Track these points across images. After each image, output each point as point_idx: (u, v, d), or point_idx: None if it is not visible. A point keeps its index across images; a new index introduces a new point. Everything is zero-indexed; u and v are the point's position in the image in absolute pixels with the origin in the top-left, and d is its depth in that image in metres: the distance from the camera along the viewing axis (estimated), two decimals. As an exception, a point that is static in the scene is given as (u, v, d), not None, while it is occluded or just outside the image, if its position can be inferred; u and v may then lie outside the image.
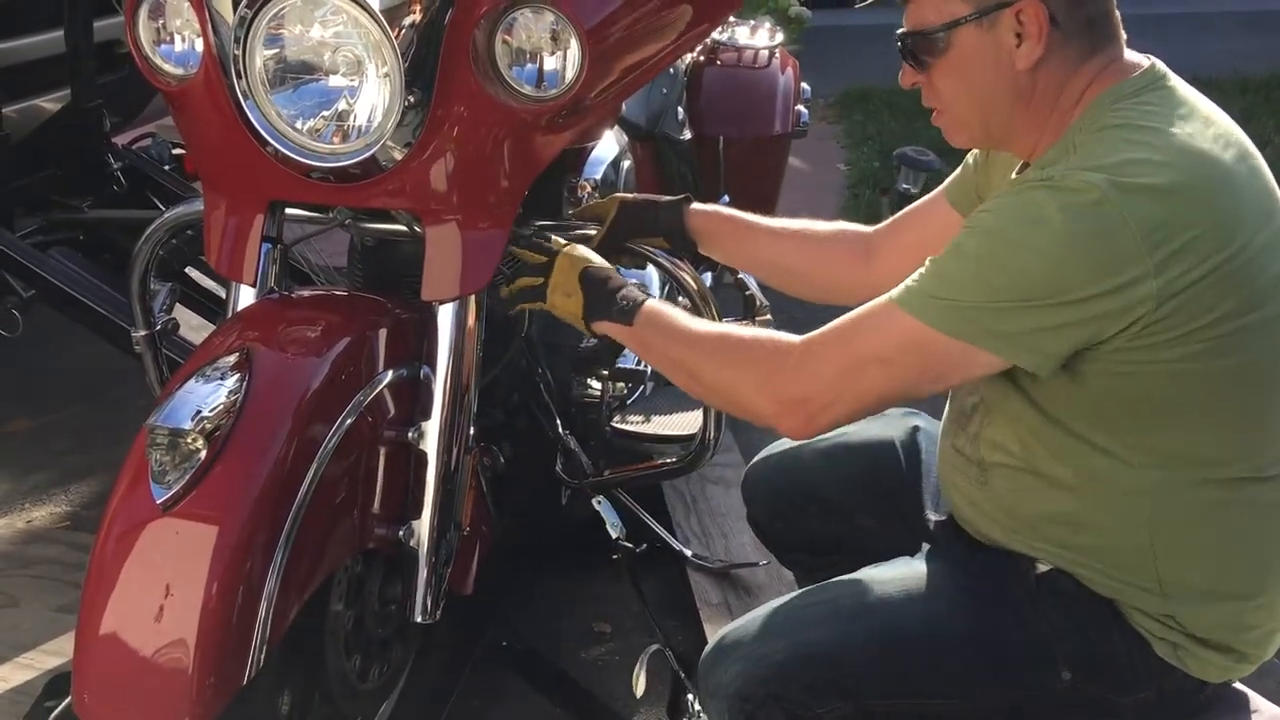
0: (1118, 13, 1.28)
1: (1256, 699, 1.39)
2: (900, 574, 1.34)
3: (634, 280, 1.86)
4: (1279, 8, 7.45)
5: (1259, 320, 1.19)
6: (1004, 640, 1.29)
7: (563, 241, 1.52)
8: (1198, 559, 1.26)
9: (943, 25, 1.26)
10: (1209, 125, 1.22)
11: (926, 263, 1.24)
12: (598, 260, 1.48)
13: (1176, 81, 1.26)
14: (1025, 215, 1.17)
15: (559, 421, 1.86)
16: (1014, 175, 1.37)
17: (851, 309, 1.29)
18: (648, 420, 1.99)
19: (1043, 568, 1.31)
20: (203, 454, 1.22)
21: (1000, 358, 1.19)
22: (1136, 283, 1.13)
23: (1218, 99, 1.30)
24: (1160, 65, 1.27)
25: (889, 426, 1.67)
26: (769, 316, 2.19)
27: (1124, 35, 1.28)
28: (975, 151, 1.51)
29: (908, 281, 1.24)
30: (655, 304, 1.42)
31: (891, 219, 1.64)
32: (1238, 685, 1.39)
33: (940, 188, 1.57)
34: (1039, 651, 1.28)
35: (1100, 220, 1.13)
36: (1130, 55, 1.28)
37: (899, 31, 1.32)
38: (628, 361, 2.02)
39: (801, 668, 1.28)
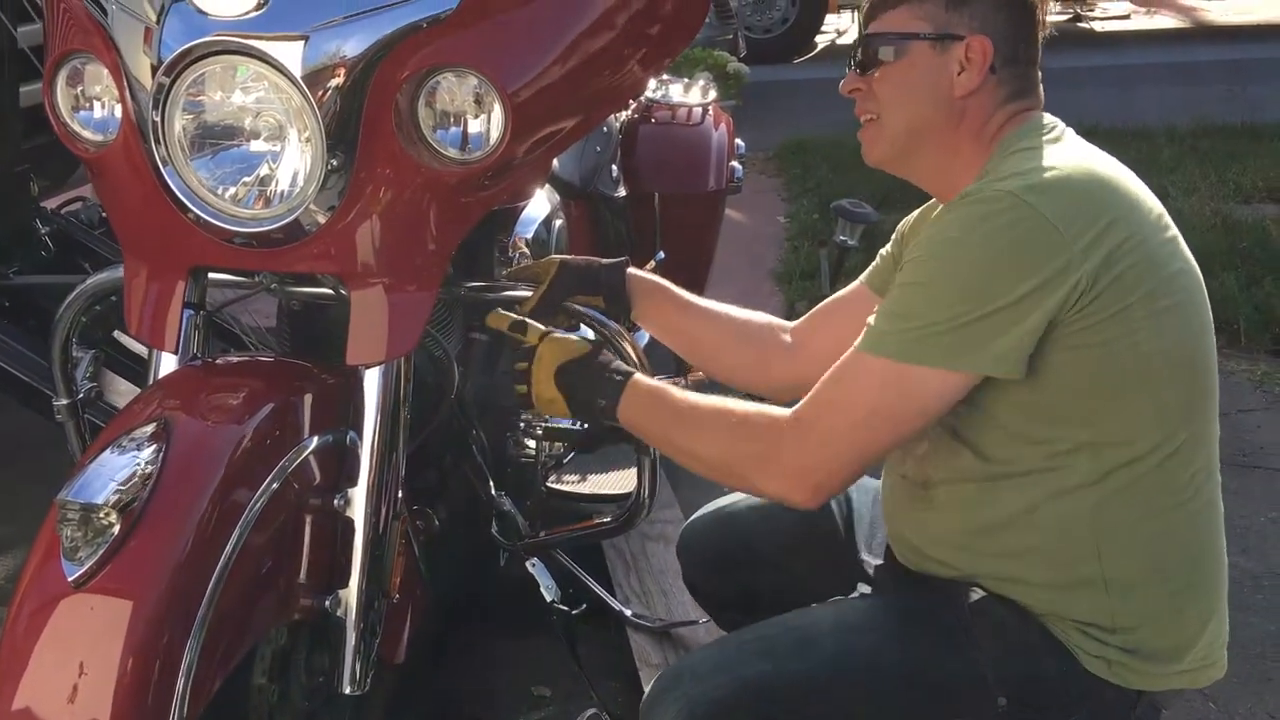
0: (1041, 85, 1.43)
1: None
2: (837, 610, 1.37)
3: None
4: (1205, 58, 7.68)
5: (1171, 306, 1.28)
6: (939, 669, 1.32)
7: (540, 330, 1.54)
8: (1138, 553, 1.31)
9: (902, 34, 1.39)
10: (1097, 153, 1.37)
11: (878, 308, 1.31)
12: (571, 349, 1.50)
13: (1067, 129, 1.41)
14: (952, 234, 1.27)
15: (492, 483, 1.84)
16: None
17: (768, 400, 1.41)
18: (584, 480, 1.98)
19: (975, 595, 1.34)
20: (116, 529, 1.19)
21: (974, 372, 1.25)
22: (1068, 269, 1.23)
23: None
24: (1056, 120, 1.41)
25: None
26: (701, 374, 2.20)
27: (1043, 96, 1.43)
28: (890, 243, 1.59)
29: (868, 327, 1.30)
30: (640, 387, 1.44)
31: (813, 310, 1.71)
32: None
33: (860, 278, 1.64)
34: (974, 679, 1.31)
35: (1021, 220, 1.24)
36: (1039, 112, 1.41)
37: (861, 33, 1.45)
38: (562, 421, 2.01)
39: (739, 704, 1.30)
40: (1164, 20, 9.94)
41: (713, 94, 2.94)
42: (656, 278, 1.71)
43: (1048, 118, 1.40)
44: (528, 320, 1.55)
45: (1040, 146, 1.33)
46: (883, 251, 1.60)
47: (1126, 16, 9.76)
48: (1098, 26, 9.70)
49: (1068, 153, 1.33)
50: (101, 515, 1.19)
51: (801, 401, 1.33)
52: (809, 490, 1.31)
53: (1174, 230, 1.35)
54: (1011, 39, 1.38)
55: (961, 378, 1.25)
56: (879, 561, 1.49)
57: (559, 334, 1.53)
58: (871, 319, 1.30)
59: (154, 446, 1.25)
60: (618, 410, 1.44)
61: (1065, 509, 1.30)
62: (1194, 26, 9.65)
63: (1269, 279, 3.84)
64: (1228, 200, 4.75)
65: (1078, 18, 9.76)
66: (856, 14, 1.49)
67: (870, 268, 1.62)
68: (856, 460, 1.30)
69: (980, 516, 1.34)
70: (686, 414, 1.41)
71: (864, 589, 1.46)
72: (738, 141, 3.01)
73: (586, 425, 1.73)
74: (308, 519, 1.41)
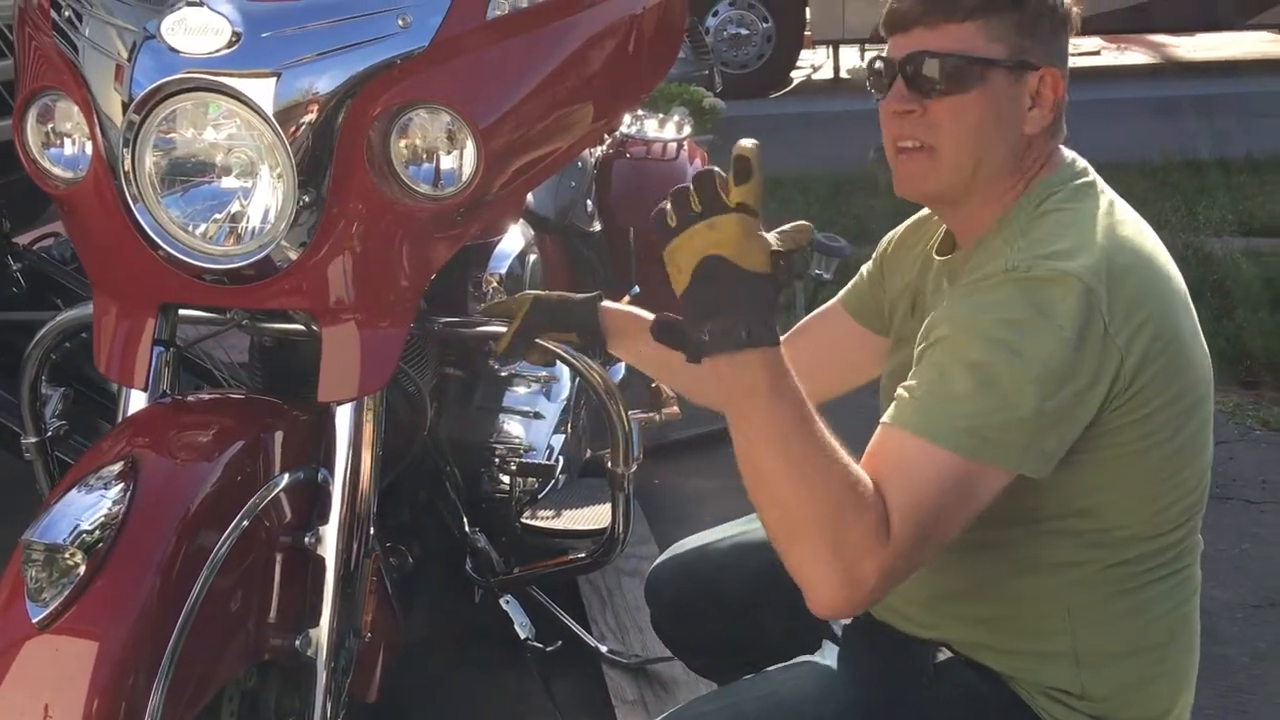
0: None
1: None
2: (800, 673, 1.34)
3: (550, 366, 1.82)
4: (1175, 94, 7.78)
5: (1190, 405, 1.23)
6: None
7: (754, 206, 1.18)
8: (1112, 628, 1.27)
9: (981, 58, 1.22)
10: (1132, 216, 1.27)
11: (922, 381, 1.16)
12: (765, 253, 1.15)
13: (1096, 175, 1.30)
14: (1010, 316, 1.15)
15: (466, 519, 1.83)
16: (938, 258, 1.37)
17: None
18: (558, 515, 1.97)
19: (941, 656, 1.31)
20: (81, 569, 1.18)
21: (1014, 470, 1.14)
22: (1110, 364, 1.15)
23: (1121, 181, 1.35)
24: (1081, 159, 1.31)
25: None
26: (675, 409, 2.21)
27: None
28: (870, 262, 1.54)
29: (921, 408, 1.14)
30: (784, 362, 1.14)
31: (793, 329, 1.65)
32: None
33: (836, 298, 1.60)
34: None
35: (1076, 308, 1.14)
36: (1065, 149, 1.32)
37: (927, 48, 1.23)
38: (537, 456, 2.01)
39: None
40: (1134, 56, 10.07)
41: (687, 129, 2.96)
42: (630, 308, 1.70)
43: (1078, 161, 1.30)
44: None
45: (1078, 208, 1.23)
46: (863, 270, 1.55)
47: (1097, 53, 9.88)
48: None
49: (1109, 221, 1.22)
50: (67, 556, 1.18)
51: (890, 499, 1.11)
52: (851, 599, 1.11)
53: (1193, 308, 1.26)
54: (1065, 67, 1.26)
55: (1000, 475, 1.14)
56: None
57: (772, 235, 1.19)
58: (912, 395, 1.15)
59: (121, 485, 1.24)
60: (738, 351, 1.11)
61: (1042, 584, 1.25)
62: (1164, 62, 9.78)
63: (1240, 311, 3.88)
64: (1199, 233, 4.81)
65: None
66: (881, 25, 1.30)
67: (847, 288, 1.57)
68: (912, 569, 1.13)
69: (951, 581, 1.29)
70: (813, 437, 1.11)
71: (830, 645, 1.42)
72: (713, 176, 3.02)
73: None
74: (278, 557, 1.40)
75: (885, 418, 1.19)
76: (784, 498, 1.11)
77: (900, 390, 1.19)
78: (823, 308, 1.62)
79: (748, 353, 1.12)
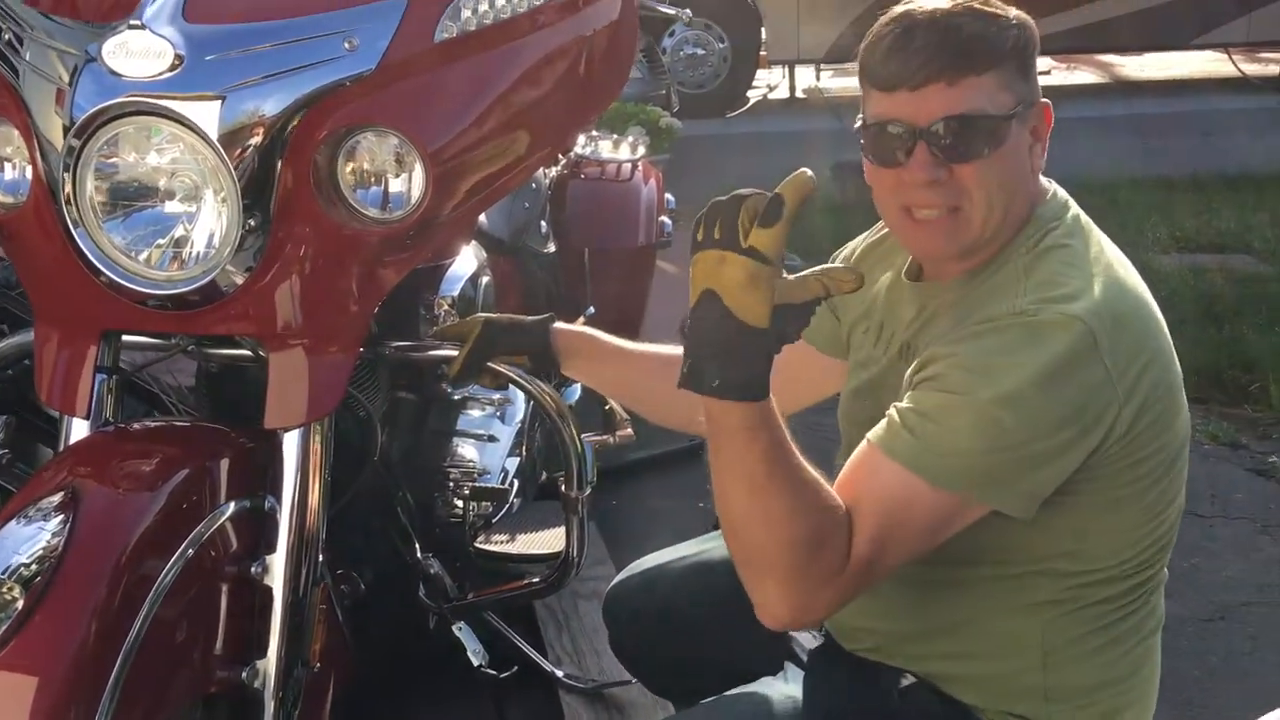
0: None
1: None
2: (760, 698, 1.33)
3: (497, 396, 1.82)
4: (1127, 112, 7.89)
5: (1177, 450, 1.24)
6: None
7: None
8: (1084, 664, 1.27)
9: (1002, 115, 1.18)
10: (1120, 256, 1.26)
11: (925, 414, 1.15)
12: (763, 307, 1.08)
13: (1075, 203, 1.29)
14: (1012, 359, 1.14)
15: (418, 545, 1.81)
16: (908, 281, 1.34)
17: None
18: (512, 539, 1.96)
19: (905, 681, 1.30)
20: (19, 603, 1.15)
21: (993, 507, 1.15)
22: (1108, 412, 1.15)
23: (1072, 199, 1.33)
24: (1059, 187, 1.30)
25: None
26: (629, 431, 2.20)
27: None
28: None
29: (912, 442, 1.14)
30: (774, 409, 1.12)
31: None
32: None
33: None
34: None
35: (1080, 353, 1.13)
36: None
37: (956, 111, 1.17)
38: (490, 480, 1.99)
39: None
40: (1083, 76, 10.21)
41: (642, 149, 2.96)
42: (584, 329, 1.69)
43: (1059, 190, 1.29)
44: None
45: (1076, 245, 1.21)
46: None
47: (1047, 72, 10.00)
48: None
49: (1105, 261, 1.22)
50: (4, 590, 1.16)
51: (860, 532, 1.13)
52: (799, 621, 1.17)
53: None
54: None
55: (980, 509, 1.15)
56: (809, 638, 1.44)
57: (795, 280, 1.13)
58: (905, 425, 1.14)
59: (60, 517, 1.22)
60: (723, 381, 1.08)
61: (1021, 623, 1.25)
62: (1112, 82, 9.92)
63: (1187, 328, 3.93)
64: (1146, 251, 4.88)
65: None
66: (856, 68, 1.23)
67: None
68: (864, 588, 1.16)
69: (929, 619, 1.29)
70: (784, 481, 1.11)
71: (792, 668, 1.41)
72: (668, 196, 3.03)
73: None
74: (224, 588, 1.38)
75: (873, 438, 1.18)
76: (746, 531, 1.14)
77: (892, 414, 1.18)
78: None
79: (722, 400, 1.10)
